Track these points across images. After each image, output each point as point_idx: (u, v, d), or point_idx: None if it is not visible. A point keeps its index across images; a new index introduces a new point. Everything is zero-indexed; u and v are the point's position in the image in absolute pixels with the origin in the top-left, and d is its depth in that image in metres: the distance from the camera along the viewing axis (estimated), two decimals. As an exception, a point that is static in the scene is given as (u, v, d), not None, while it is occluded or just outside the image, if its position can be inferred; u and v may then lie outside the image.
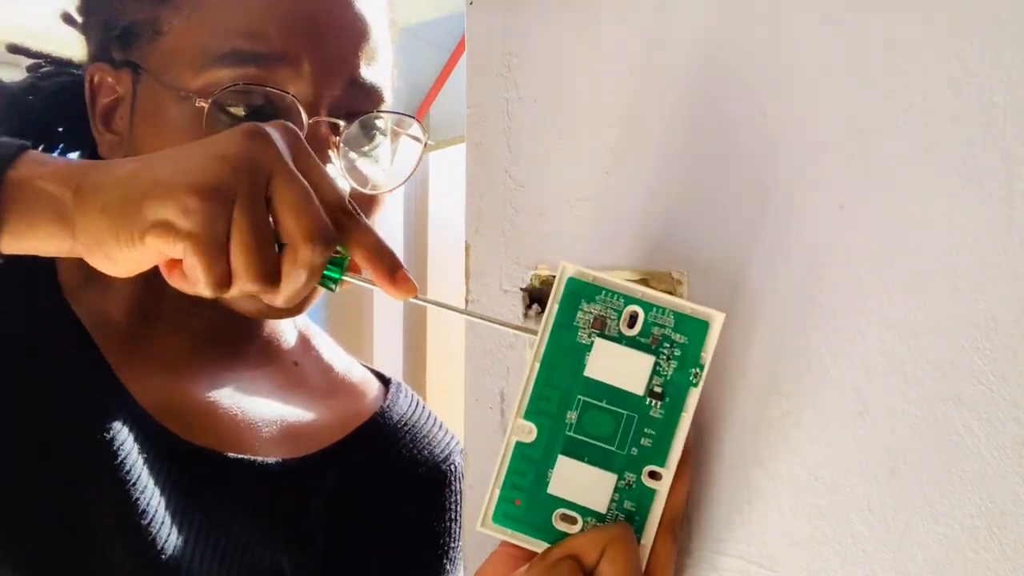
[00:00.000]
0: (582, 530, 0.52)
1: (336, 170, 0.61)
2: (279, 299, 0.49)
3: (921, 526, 0.50)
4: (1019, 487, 0.48)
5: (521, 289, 0.62)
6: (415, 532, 0.73)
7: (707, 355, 0.51)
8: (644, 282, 0.56)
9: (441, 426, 0.77)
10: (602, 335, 0.52)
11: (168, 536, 0.60)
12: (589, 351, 0.52)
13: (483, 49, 0.64)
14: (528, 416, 0.52)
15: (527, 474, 0.52)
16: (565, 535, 0.52)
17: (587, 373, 0.52)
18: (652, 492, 0.51)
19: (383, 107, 0.65)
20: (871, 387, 0.52)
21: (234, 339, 0.69)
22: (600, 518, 0.52)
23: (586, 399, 0.52)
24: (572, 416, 0.52)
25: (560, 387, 0.52)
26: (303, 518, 0.67)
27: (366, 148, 0.65)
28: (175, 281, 0.48)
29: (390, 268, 0.50)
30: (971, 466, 0.49)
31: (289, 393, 0.71)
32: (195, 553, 0.61)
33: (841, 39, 0.53)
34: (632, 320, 0.52)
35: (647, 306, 0.52)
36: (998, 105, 0.49)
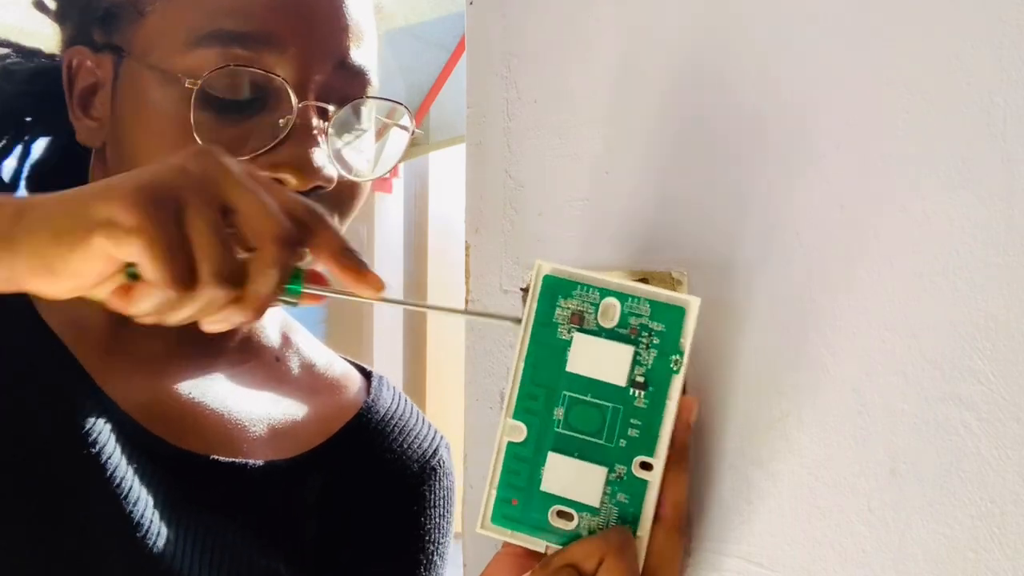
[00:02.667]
0: (578, 526, 0.52)
1: (323, 156, 0.60)
2: (247, 307, 0.46)
3: (921, 526, 0.50)
4: (1019, 487, 0.48)
5: (521, 289, 0.62)
6: (406, 530, 0.72)
7: (686, 341, 0.51)
8: (644, 281, 0.56)
9: (424, 420, 0.76)
10: (581, 329, 0.52)
11: (165, 546, 0.59)
12: (570, 347, 0.52)
13: (483, 49, 0.64)
14: (517, 416, 0.53)
15: (521, 473, 0.52)
16: (563, 532, 0.52)
17: (569, 368, 0.52)
18: (644, 483, 0.51)
19: (370, 91, 0.64)
20: (871, 387, 0.52)
21: (213, 337, 0.68)
22: (594, 512, 0.52)
23: (571, 394, 0.52)
24: (559, 412, 0.52)
25: (545, 384, 0.52)
26: (294, 521, 0.66)
27: (353, 135, 0.64)
28: (130, 304, 0.45)
29: (356, 266, 0.48)
30: (971, 466, 0.49)
31: (273, 390, 0.70)
32: (193, 561, 0.60)
33: (841, 39, 0.53)
34: (611, 312, 0.52)
35: (622, 297, 0.52)
36: (998, 105, 0.49)
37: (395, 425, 0.73)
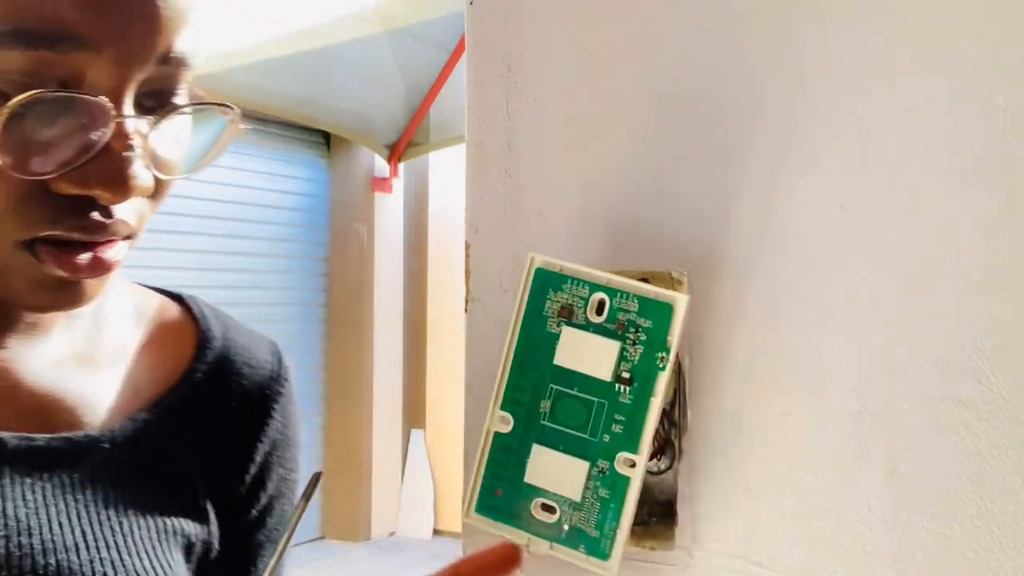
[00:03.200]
0: (560, 519, 0.52)
1: (139, 165, 0.53)
2: None
3: (921, 526, 0.50)
4: (1019, 487, 0.48)
5: (521, 289, 0.62)
6: (279, 448, 0.71)
7: (672, 339, 0.51)
8: (644, 281, 0.56)
9: (251, 330, 0.72)
10: (569, 323, 0.52)
11: (68, 563, 0.56)
12: (558, 340, 0.52)
13: (483, 49, 0.64)
14: (504, 407, 0.53)
15: (506, 464, 0.53)
16: (546, 524, 0.52)
17: (557, 361, 0.52)
18: (626, 479, 0.51)
19: (190, 76, 0.57)
20: (871, 387, 0.52)
21: (21, 315, 0.61)
22: (576, 507, 0.52)
23: (558, 388, 0.52)
24: (546, 405, 0.52)
25: (533, 377, 0.53)
26: (177, 473, 0.65)
27: (172, 130, 0.57)
28: None
29: None
30: (971, 466, 0.49)
31: (109, 343, 0.65)
32: (103, 563, 0.59)
33: (841, 39, 0.53)
34: (600, 307, 0.52)
35: (612, 292, 0.52)
36: (998, 105, 0.49)
37: (236, 344, 0.71)
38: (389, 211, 5.23)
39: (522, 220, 0.62)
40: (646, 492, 0.57)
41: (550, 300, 0.53)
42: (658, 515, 0.57)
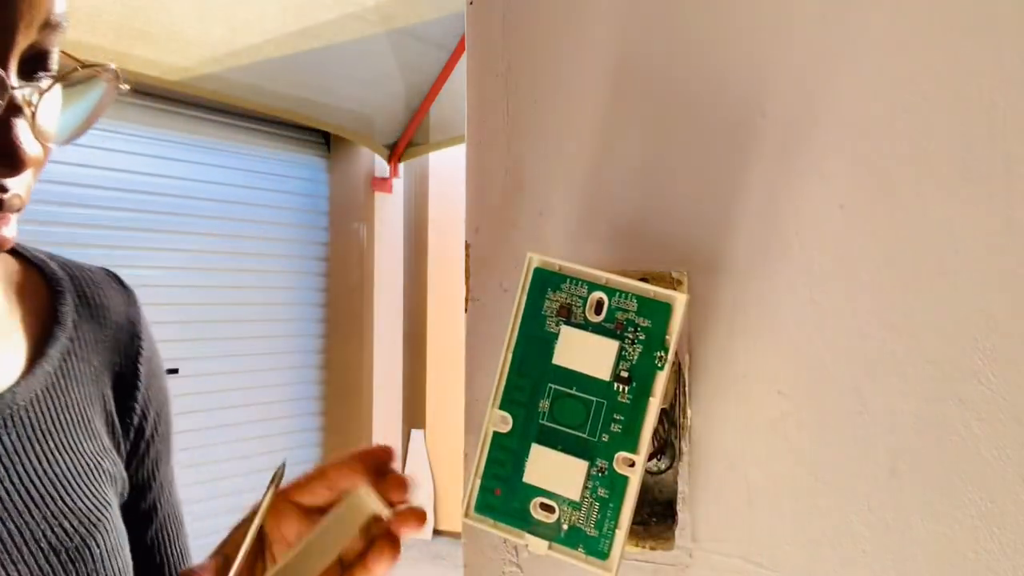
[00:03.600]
0: (559, 518, 0.52)
1: (29, 137, 0.53)
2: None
3: (921, 526, 0.50)
4: (1019, 487, 0.48)
5: (521, 289, 0.62)
6: (152, 360, 0.72)
7: (671, 338, 0.51)
8: (644, 281, 0.56)
9: (78, 262, 0.73)
10: (568, 322, 0.52)
11: (26, 524, 0.57)
12: (557, 339, 0.52)
13: (483, 49, 0.64)
14: (503, 406, 0.53)
15: (505, 464, 0.53)
16: (544, 524, 0.52)
17: (555, 361, 0.52)
18: (624, 479, 0.51)
19: (63, 37, 0.56)
20: (871, 387, 0.52)
21: None
22: (575, 506, 0.52)
23: (557, 387, 0.52)
24: (544, 404, 0.52)
25: (531, 376, 0.53)
26: (86, 415, 0.65)
27: (53, 96, 0.56)
28: None
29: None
30: (971, 466, 0.49)
31: None
32: (56, 515, 0.59)
33: (841, 39, 0.53)
34: (599, 307, 0.52)
35: (610, 291, 0.52)
36: (998, 105, 0.49)
37: (82, 278, 0.70)
38: (389, 211, 5.23)
39: (522, 220, 0.62)
40: (646, 492, 0.57)
41: (549, 299, 0.53)
42: (658, 515, 0.57)
